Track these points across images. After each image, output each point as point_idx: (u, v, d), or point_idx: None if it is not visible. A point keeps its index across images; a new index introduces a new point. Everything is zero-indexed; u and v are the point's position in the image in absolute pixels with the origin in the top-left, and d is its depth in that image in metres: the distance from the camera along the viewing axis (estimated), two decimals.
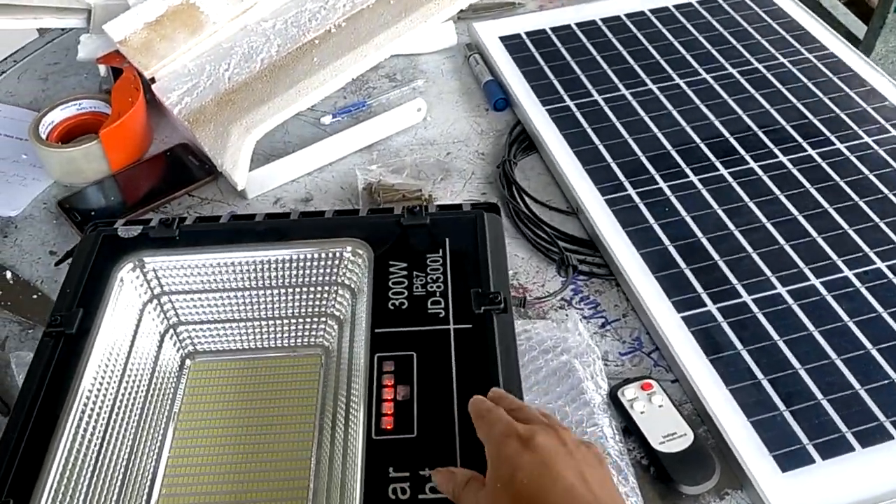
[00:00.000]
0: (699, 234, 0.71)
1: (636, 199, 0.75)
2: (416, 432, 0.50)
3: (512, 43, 0.94)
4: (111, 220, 0.66)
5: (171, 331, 0.63)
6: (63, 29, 1.04)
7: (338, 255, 0.62)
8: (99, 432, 0.54)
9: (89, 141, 0.79)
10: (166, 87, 0.85)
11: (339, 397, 0.58)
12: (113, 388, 0.57)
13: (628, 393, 0.60)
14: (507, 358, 0.54)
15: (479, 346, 0.55)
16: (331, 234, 0.63)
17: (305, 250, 0.62)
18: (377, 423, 0.51)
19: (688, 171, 0.77)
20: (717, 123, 0.82)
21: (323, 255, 0.62)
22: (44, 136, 0.81)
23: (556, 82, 0.88)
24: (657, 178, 0.77)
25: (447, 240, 0.62)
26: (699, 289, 0.67)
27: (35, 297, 0.71)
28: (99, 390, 0.55)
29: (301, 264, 0.63)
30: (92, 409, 0.54)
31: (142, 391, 0.59)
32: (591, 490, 0.41)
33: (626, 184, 0.76)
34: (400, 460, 0.49)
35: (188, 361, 0.63)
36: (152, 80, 0.86)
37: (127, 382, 0.58)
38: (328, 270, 0.63)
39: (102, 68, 0.88)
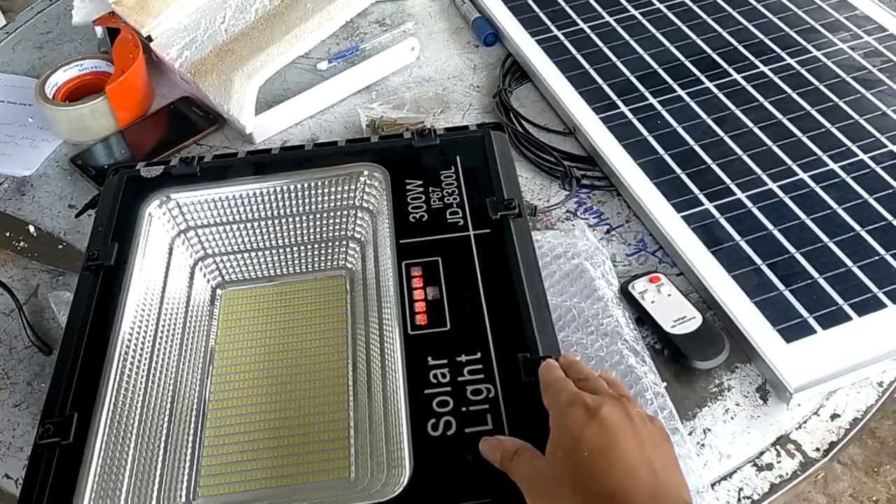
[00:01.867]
0: (691, 142, 0.75)
1: (629, 115, 0.78)
2: (449, 325, 0.54)
3: None
4: (132, 164, 0.68)
5: (200, 263, 0.66)
6: None
7: (355, 178, 0.65)
8: (146, 357, 0.57)
9: (95, 98, 0.81)
10: (164, 43, 0.87)
11: (369, 309, 0.61)
12: (154, 315, 0.60)
13: (638, 286, 0.64)
14: (527, 257, 0.57)
15: (498, 248, 0.58)
16: (345, 162, 0.66)
17: (323, 176, 0.65)
18: (412, 320, 0.54)
19: (675, 86, 0.81)
20: (699, 41, 0.86)
21: (341, 180, 0.65)
22: (50, 97, 0.83)
23: (542, 14, 0.91)
24: (647, 94, 0.80)
25: (458, 157, 0.65)
26: (696, 190, 0.70)
27: (60, 247, 0.73)
28: (142, 317, 0.58)
29: (320, 190, 0.66)
30: (138, 334, 0.57)
31: (179, 320, 0.62)
32: (654, 470, 0.39)
33: (619, 102, 0.80)
34: (437, 350, 0.52)
35: (219, 291, 0.66)
36: (149, 38, 0.87)
37: (165, 312, 0.61)
38: (347, 194, 0.66)
39: (99, 30, 0.90)
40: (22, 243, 0.74)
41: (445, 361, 0.52)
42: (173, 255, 0.64)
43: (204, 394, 0.59)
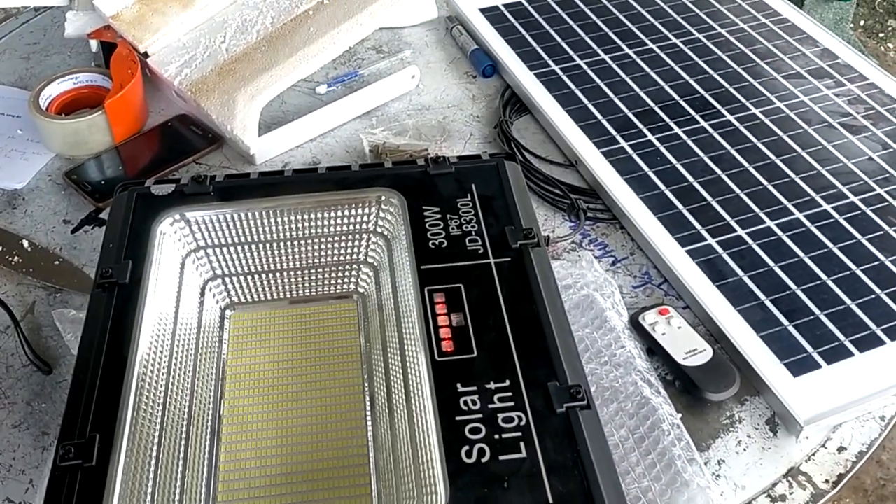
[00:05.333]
0: (690, 178, 0.77)
1: (629, 150, 0.80)
2: (476, 352, 0.54)
3: (492, 14, 0.98)
4: (140, 181, 0.67)
5: (210, 283, 0.65)
6: (36, 10, 1.04)
7: (371, 202, 0.65)
8: (163, 378, 0.56)
9: (92, 112, 0.80)
10: (163, 60, 0.86)
11: (387, 334, 0.61)
12: (169, 335, 0.58)
13: (648, 318, 0.65)
14: (549, 286, 0.58)
15: (520, 276, 0.59)
16: (359, 186, 0.66)
17: (338, 200, 0.65)
18: (438, 346, 0.54)
19: (672, 124, 0.83)
20: (692, 82, 0.89)
21: (356, 204, 0.65)
22: (44, 109, 0.81)
23: (539, 49, 0.93)
24: (645, 131, 0.82)
25: (473, 185, 0.66)
26: (698, 226, 0.72)
27: (57, 263, 0.71)
28: (158, 336, 0.57)
29: (334, 213, 0.65)
30: (154, 354, 0.56)
31: (192, 339, 0.61)
32: None
33: (618, 137, 0.82)
34: (465, 376, 0.52)
35: (228, 312, 0.65)
36: (145, 54, 0.86)
37: (179, 332, 0.60)
38: (362, 218, 0.66)
39: (94, 43, 0.89)
40: (16, 258, 0.71)
41: (475, 388, 0.52)
42: (184, 275, 0.63)
43: (217, 417, 0.58)
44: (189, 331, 0.61)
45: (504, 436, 0.49)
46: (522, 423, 0.50)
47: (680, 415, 0.59)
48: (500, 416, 0.50)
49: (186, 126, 0.85)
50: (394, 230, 0.65)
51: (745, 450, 0.59)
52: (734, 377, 0.61)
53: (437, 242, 0.61)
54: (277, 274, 0.66)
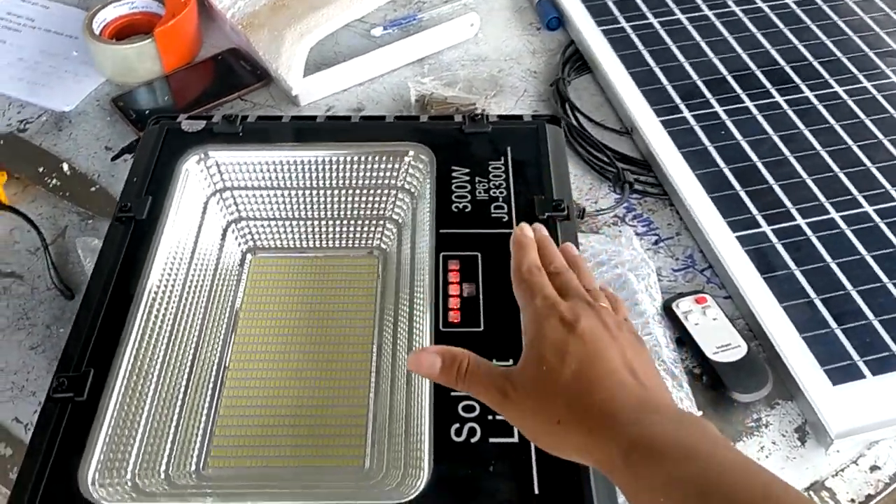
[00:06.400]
0: (754, 158, 0.71)
1: (691, 121, 0.75)
2: (483, 326, 0.51)
3: None
4: (173, 115, 0.66)
5: (233, 225, 0.64)
6: None
7: (400, 157, 0.63)
8: (169, 317, 0.55)
9: (143, 39, 0.79)
10: None
11: (400, 295, 0.59)
12: (182, 275, 0.58)
13: (683, 305, 0.61)
14: None
15: None
16: (391, 139, 0.63)
17: (368, 152, 0.63)
18: (444, 316, 0.52)
19: (744, 96, 0.77)
20: (773, 52, 0.82)
21: (385, 158, 0.63)
22: (97, 33, 0.81)
23: (610, 3, 0.87)
24: (713, 101, 0.77)
25: (508, 148, 0.63)
26: (754, 210, 0.67)
27: (93, 189, 0.71)
28: (169, 275, 0.57)
29: (363, 165, 0.63)
30: (163, 292, 0.56)
31: (207, 282, 0.60)
32: (637, 377, 0.40)
33: (682, 106, 0.76)
34: (468, 349, 0.50)
35: (249, 256, 0.64)
36: None
37: (193, 272, 0.59)
38: (389, 174, 0.63)
39: None
40: (54, 181, 0.72)
41: None
42: (207, 215, 0.62)
43: (224, 361, 0.58)
44: (205, 272, 0.60)
45: (498, 417, 0.47)
46: None
47: (701, 412, 0.55)
48: None
49: (237, 60, 0.84)
50: (420, 188, 0.62)
51: (767, 457, 0.55)
52: (766, 379, 0.57)
53: (460, 206, 0.58)
54: (302, 222, 0.65)
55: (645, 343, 0.45)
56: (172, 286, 0.56)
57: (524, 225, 0.49)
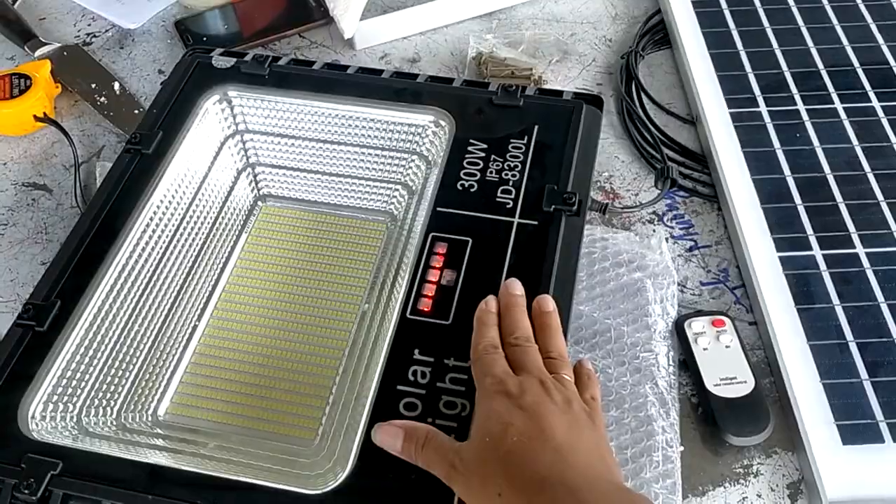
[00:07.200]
0: (827, 169, 0.63)
1: (766, 117, 0.67)
2: (451, 320, 0.48)
3: None
4: (209, 48, 0.65)
5: (249, 170, 0.63)
6: None
7: (420, 123, 0.59)
8: (155, 257, 0.55)
9: None
10: None
11: (399, 267, 0.56)
12: (180, 212, 0.58)
13: (696, 325, 0.55)
14: (566, 266, 0.50)
15: (538, 246, 0.51)
16: (418, 100, 0.60)
17: (389, 113, 0.60)
18: (414, 303, 0.49)
19: (834, 96, 0.68)
20: (884, 48, 0.71)
21: (405, 122, 0.60)
22: None
23: None
24: (797, 97, 0.68)
25: (536, 127, 0.58)
26: (808, 230, 0.60)
27: (136, 112, 0.72)
28: (165, 211, 0.56)
29: (383, 126, 0.60)
30: (156, 227, 0.55)
31: (208, 222, 0.60)
32: (580, 458, 0.39)
33: (759, 98, 0.68)
34: (428, 344, 0.47)
35: (260, 203, 0.63)
36: None
37: (195, 210, 0.59)
38: (408, 137, 0.60)
39: None
40: (103, 98, 0.73)
41: (432, 360, 0.47)
42: (219, 157, 0.62)
43: (207, 310, 0.57)
44: (205, 215, 0.60)
45: (438, 421, 0.44)
46: (464, 413, 0.45)
47: (682, 448, 0.50)
48: (444, 398, 0.45)
49: None
50: (436, 155, 0.59)
51: None
52: (765, 424, 0.51)
53: (466, 185, 0.55)
54: (316, 176, 0.63)
55: (601, 419, 0.43)
56: (165, 226, 0.56)
57: (490, 299, 0.47)
